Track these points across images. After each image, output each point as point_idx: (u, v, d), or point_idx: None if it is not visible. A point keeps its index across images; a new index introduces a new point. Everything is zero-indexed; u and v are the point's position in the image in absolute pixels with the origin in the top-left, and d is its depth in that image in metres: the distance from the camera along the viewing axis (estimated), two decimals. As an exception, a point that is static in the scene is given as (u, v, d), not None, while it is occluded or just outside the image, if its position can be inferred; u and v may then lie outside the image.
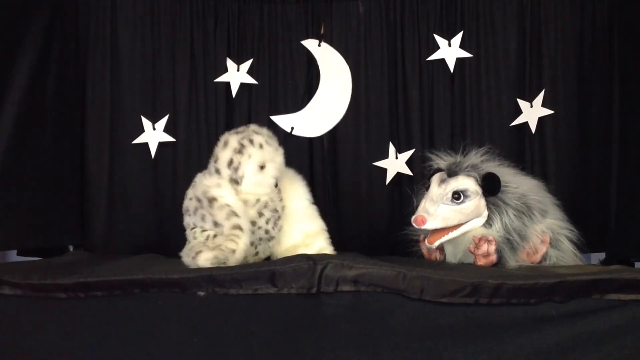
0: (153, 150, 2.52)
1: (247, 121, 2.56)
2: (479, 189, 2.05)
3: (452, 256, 2.13)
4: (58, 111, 2.32)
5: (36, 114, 2.21)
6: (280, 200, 2.11)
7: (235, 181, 2.04)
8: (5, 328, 1.74)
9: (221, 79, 2.56)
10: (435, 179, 2.10)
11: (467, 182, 2.05)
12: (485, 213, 2.06)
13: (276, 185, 2.07)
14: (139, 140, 2.52)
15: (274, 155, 2.06)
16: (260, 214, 2.04)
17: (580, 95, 2.51)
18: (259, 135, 2.08)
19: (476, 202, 2.04)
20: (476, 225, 2.06)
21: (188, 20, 2.55)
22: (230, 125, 2.53)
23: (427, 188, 2.12)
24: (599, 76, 2.47)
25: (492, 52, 2.55)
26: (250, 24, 2.59)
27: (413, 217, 2.05)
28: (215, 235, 1.96)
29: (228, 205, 1.96)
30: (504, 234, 2.03)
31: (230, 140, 2.07)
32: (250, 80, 2.57)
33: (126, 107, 2.53)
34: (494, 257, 2.02)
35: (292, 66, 2.60)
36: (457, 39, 2.55)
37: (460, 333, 1.66)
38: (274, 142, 2.10)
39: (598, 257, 2.42)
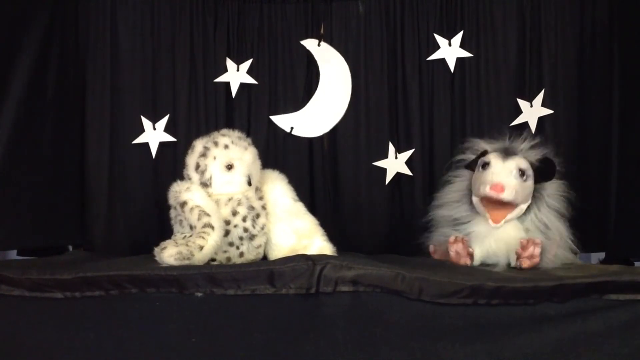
0: (153, 150, 2.52)
1: (247, 121, 2.57)
2: (532, 174, 2.05)
3: (479, 259, 2.10)
4: (58, 111, 2.32)
5: (36, 114, 2.21)
6: (260, 198, 2.12)
7: (205, 184, 2.07)
8: (3, 328, 1.74)
9: (221, 79, 2.56)
10: (494, 156, 2.08)
11: (526, 163, 2.05)
12: (529, 201, 2.06)
13: (250, 184, 2.09)
14: (139, 140, 2.52)
15: (241, 154, 2.09)
16: (235, 212, 2.05)
17: (580, 95, 2.51)
18: (225, 136, 2.13)
19: (532, 185, 2.05)
20: (522, 210, 2.06)
21: (188, 20, 2.55)
22: (230, 125, 2.52)
23: (481, 166, 2.09)
24: (599, 76, 2.47)
25: (492, 52, 2.55)
26: (250, 24, 2.59)
27: (491, 185, 2.01)
28: (191, 236, 1.97)
29: (198, 206, 1.98)
30: (544, 230, 2.04)
31: (196, 145, 2.13)
32: (250, 80, 2.57)
33: (126, 107, 2.53)
34: (538, 259, 2.01)
35: (291, 66, 2.59)
36: (457, 38, 2.55)
37: (459, 333, 1.66)
38: (243, 142, 2.14)
39: (598, 257, 2.42)
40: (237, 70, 2.56)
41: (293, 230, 2.13)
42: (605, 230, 2.35)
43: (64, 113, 2.37)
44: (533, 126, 2.51)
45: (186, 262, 1.84)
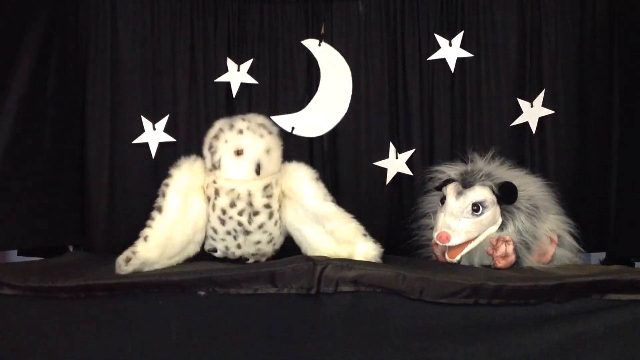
0: (153, 150, 2.52)
1: (247, 121, 2.56)
2: (494, 198, 2.05)
3: (466, 261, 2.11)
4: (58, 111, 2.31)
5: (36, 114, 2.21)
6: (269, 196, 2.06)
7: (214, 166, 2.06)
8: (6, 328, 1.74)
9: (221, 79, 2.56)
10: (450, 191, 2.09)
11: (483, 193, 2.05)
12: (500, 220, 2.07)
13: (258, 173, 2.04)
14: (139, 140, 2.52)
15: (254, 142, 2.04)
16: (232, 204, 2.03)
17: (580, 95, 2.51)
18: (244, 121, 2.09)
19: (493, 211, 2.05)
20: (492, 232, 2.06)
21: (188, 20, 2.55)
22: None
23: (442, 200, 2.11)
24: (599, 76, 2.47)
25: (492, 52, 2.55)
26: (250, 24, 2.59)
27: (436, 234, 2.04)
28: None
29: (167, 185, 2.01)
30: (518, 237, 2.04)
31: (215, 125, 2.13)
32: (251, 80, 2.57)
33: (126, 107, 2.53)
34: (512, 257, 2.02)
35: (292, 66, 2.59)
36: (458, 38, 2.55)
37: (459, 333, 1.66)
38: (261, 130, 2.08)
39: (598, 257, 2.42)
40: (238, 70, 2.56)
41: (327, 232, 2.05)
42: (606, 230, 2.35)
43: (64, 113, 2.36)
44: (533, 126, 2.52)
45: (136, 262, 1.83)
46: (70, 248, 2.46)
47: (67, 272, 1.83)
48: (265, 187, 2.07)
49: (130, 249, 1.88)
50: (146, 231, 1.95)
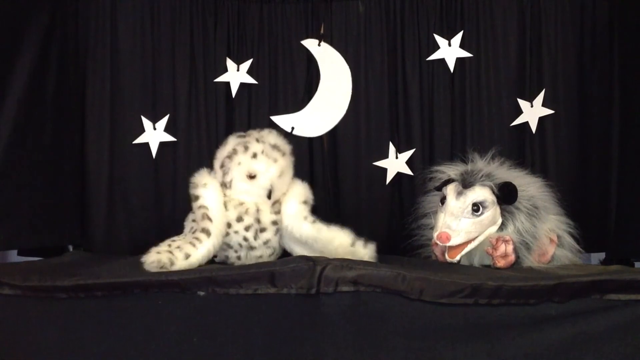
0: (154, 150, 2.52)
1: (247, 121, 2.56)
2: (494, 198, 2.05)
3: (466, 261, 2.12)
4: (58, 111, 2.32)
5: (36, 114, 2.21)
6: (277, 212, 2.05)
7: (224, 185, 2.04)
8: (6, 327, 1.74)
9: (221, 78, 2.56)
10: (451, 191, 2.09)
11: (484, 193, 2.05)
12: (500, 220, 2.07)
13: (269, 197, 2.02)
14: (139, 140, 2.52)
15: (267, 167, 2.00)
16: (240, 219, 2.00)
17: (580, 95, 2.51)
18: (259, 143, 2.04)
19: (493, 211, 2.05)
20: (492, 232, 2.07)
21: (188, 20, 2.55)
22: (230, 125, 2.54)
23: (442, 200, 2.11)
24: (599, 76, 2.48)
25: (492, 52, 2.56)
26: (250, 24, 2.59)
27: (436, 234, 2.04)
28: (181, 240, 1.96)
29: (205, 207, 1.96)
30: (517, 237, 2.04)
31: (229, 142, 2.09)
32: (250, 80, 2.57)
33: (126, 107, 2.53)
34: (512, 257, 2.02)
35: (292, 66, 2.60)
36: (457, 38, 2.55)
37: (459, 333, 1.66)
38: (275, 153, 2.04)
39: (598, 257, 2.42)
40: (237, 70, 2.57)
41: (317, 253, 2.01)
42: (605, 230, 2.35)
43: (64, 113, 2.37)
44: (533, 126, 2.52)
45: (165, 270, 1.81)
46: (70, 248, 2.47)
47: (67, 272, 1.83)
48: (274, 204, 2.05)
49: (169, 257, 1.84)
50: (189, 249, 1.89)
